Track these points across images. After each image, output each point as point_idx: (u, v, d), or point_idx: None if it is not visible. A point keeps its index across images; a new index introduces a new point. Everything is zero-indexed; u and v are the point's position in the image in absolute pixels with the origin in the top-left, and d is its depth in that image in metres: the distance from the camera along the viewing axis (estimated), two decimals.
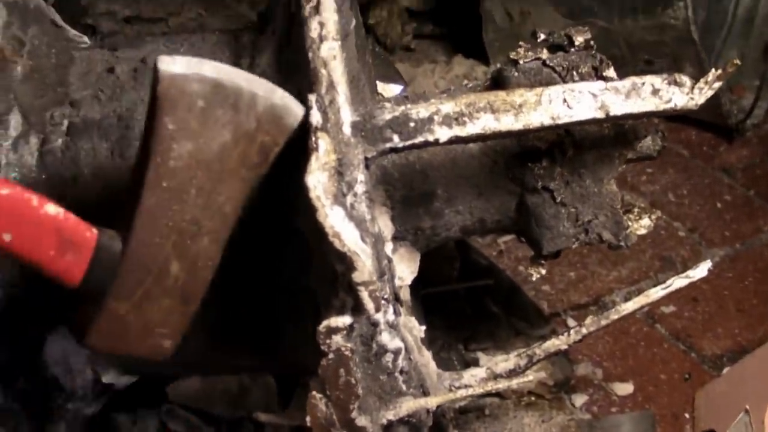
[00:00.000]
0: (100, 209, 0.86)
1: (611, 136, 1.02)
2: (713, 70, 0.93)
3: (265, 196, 0.89)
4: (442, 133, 0.89)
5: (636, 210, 1.08)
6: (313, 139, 0.84)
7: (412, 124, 0.89)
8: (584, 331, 1.01)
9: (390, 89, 1.61)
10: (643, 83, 0.92)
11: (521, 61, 1.02)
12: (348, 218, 0.83)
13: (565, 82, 1.00)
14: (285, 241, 0.98)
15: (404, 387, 0.91)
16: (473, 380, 1.00)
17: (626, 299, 1.01)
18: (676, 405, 1.47)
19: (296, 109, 0.85)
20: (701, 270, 1.00)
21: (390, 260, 0.94)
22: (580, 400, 1.46)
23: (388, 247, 0.99)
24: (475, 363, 1.35)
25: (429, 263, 1.10)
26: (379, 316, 0.87)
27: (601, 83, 0.92)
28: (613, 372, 1.52)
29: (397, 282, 0.99)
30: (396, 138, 0.89)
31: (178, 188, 0.83)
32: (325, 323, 0.86)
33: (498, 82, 1.03)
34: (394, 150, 0.89)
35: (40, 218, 0.82)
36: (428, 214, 1.04)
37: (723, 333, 1.60)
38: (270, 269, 1.02)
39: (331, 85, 0.88)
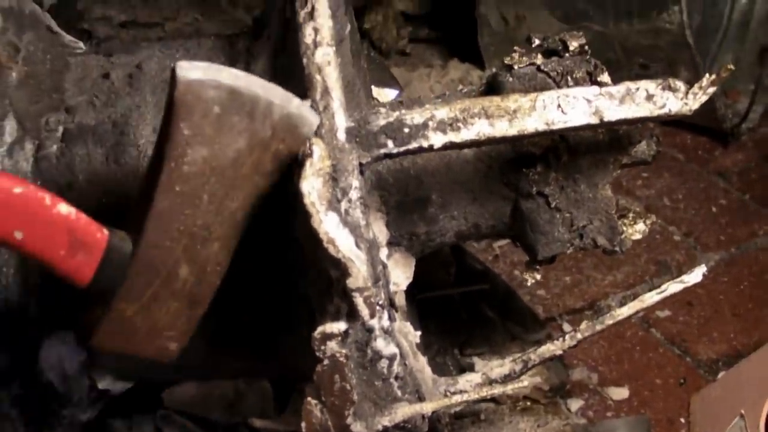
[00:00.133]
0: (95, 215, 0.86)
1: (606, 142, 1.02)
2: (707, 75, 0.93)
3: (268, 201, 0.89)
4: (437, 139, 0.89)
5: (631, 215, 1.08)
6: (308, 144, 0.84)
7: (406, 130, 0.89)
8: (579, 336, 1.01)
9: (385, 94, 1.61)
10: (638, 88, 0.92)
11: (516, 67, 1.02)
12: (342, 224, 0.83)
13: (559, 87, 1.00)
14: (285, 246, 0.98)
15: (399, 393, 0.91)
16: (468, 385, 1.00)
17: (621, 304, 1.01)
18: (672, 410, 1.47)
19: (311, 118, 0.86)
20: (696, 275, 1.00)
21: (385, 266, 0.94)
22: (575, 404, 1.46)
23: (383, 252, 0.99)
24: (471, 368, 1.34)
25: (424, 268, 1.10)
26: (374, 322, 0.87)
27: (595, 88, 0.92)
28: (609, 377, 1.52)
29: (393, 287, 0.99)
30: (390, 144, 0.89)
31: (190, 193, 0.84)
32: (320, 329, 0.86)
33: (493, 88, 1.03)
34: (389, 156, 0.89)
35: (52, 217, 0.82)
36: (423, 220, 1.04)
37: (718, 337, 1.60)
38: (270, 274, 1.02)
39: (325, 91, 0.89)
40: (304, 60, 0.90)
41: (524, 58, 1.02)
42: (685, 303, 1.65)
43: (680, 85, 0.93)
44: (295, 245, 0.91)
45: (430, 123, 0.89)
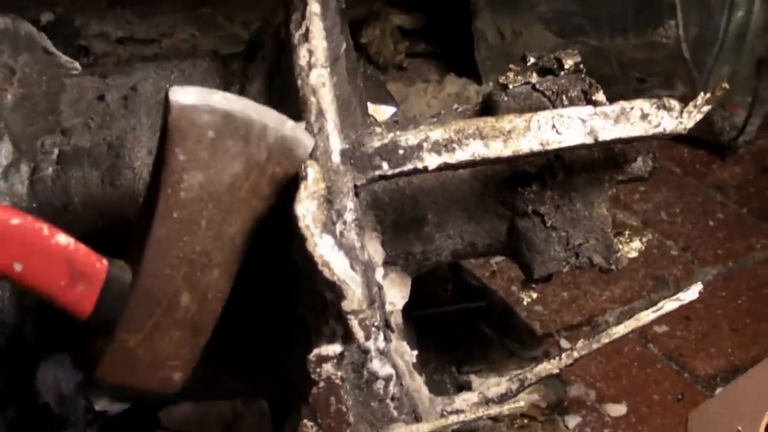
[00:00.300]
0: (91, 238, 0.86)
1: (601, 160, 1.02)
2: (702, 93, 0.93)
3: (266, 225, 0.89)
4: (431, 160, 0.89)
5: (627, 232, 1.08)
6: (303, 167, 0.84)
7: (401, 152, 0.89)
8: (576, 354, 1.01)
9: (382, 111, 1.61)
10: (632, 108, 0.93)
11: (511, 86, 1.02)
12: (337, 247, 0.83)
13: (554, 106, 1.00)
14: (283, 268, 0.98)
15: (396, 413, 0.91)
16: (465, 405, 1.00)
17: (619, 319, 1.01)
18: (670, 426, 1.46)
19: (306, 141, 0.85)
20: (692, 292, 1.00)
21: (380, 287, 0.94)
22: (573, 421, 1.45)
23: (379, 273, 1.00)
24: (468, 385, 1.34)
25: (421, 285, 1.10)
26: (369, 344, 0.87)
27: (590, 108, 0.92)
28: (606, 393, 1.52)
29: (389, 307, 0.99)
30: (385, 165, 0.89)
31: (188, 219, 0.83)
32: (315, 351, 0.86)
33: (488, 107, 1.03)
34: (384, 177, 0.89)
35: (50, 248, 0.81)
36: (419, 239, 1.04)
37: (716, 352, 1.59)
38: (268, 295, 1.02)
39: (320, 113, 0.89)
40: (299, 81, 0.90)
41: (519, 77, 1.03)
42: (683, 318, 1.65)
43: (675, 104, 0.93)
44: (292, 267, 0.91)
45: (425, 144, 0.89)
